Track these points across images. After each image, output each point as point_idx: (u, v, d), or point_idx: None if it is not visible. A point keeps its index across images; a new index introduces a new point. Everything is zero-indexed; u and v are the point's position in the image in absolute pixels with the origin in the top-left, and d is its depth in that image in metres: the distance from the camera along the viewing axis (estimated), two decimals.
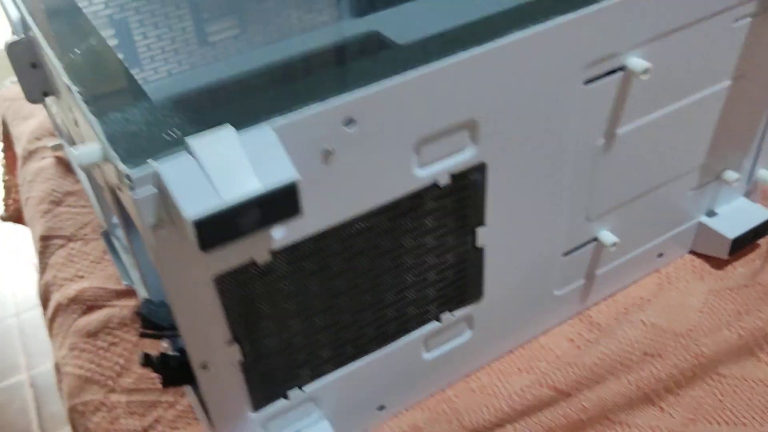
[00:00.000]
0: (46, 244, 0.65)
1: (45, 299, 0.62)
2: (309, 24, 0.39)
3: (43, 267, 0.64)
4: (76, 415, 0.52)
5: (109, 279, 0.59)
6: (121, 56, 0.35)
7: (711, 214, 0.52)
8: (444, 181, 0.36)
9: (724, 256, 0.51)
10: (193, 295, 0.32)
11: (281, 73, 0.35)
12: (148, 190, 0.28)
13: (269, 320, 0.36)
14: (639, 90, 0.40)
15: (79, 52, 0.35)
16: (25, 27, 0.43)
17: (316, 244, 0.34)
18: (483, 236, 0.40)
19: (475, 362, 0.48)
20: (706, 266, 0.53)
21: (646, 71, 0.38)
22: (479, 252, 0.41)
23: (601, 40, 0.36)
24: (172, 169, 0.27)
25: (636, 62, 0.38)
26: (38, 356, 1.46)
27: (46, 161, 0.74)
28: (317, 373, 0.40)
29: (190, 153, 0.28)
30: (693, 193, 0.50)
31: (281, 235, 0.33)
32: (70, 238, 0.64)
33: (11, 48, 0.44)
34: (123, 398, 0.51)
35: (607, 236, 0.46)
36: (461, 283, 0.42)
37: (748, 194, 0.54)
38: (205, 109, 0.31)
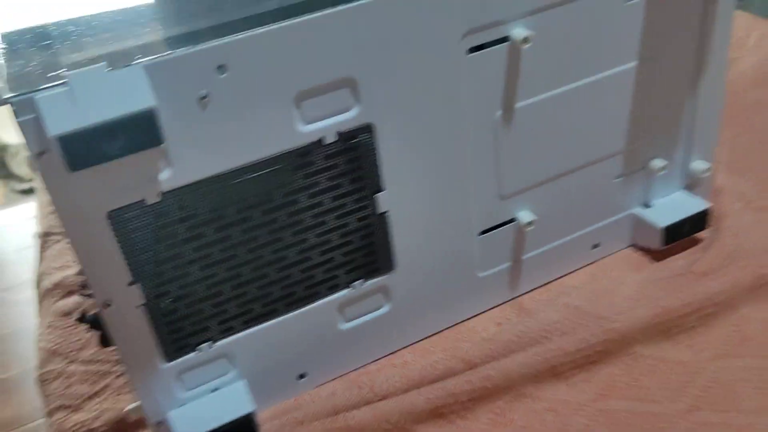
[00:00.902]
0: (45, 240, 0.71)
1: (38, 286, 0.68)
2: None
3: (41, 259, 0.70)
4: (40, 383, 0.56)
5: None
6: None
7: (647, 205, 0.53)
8: (330, 138, 0.39)
9: (659, 246, 0.51)
10: (88, 230, 0.36)
11: (177, 25, 0.39)
12: (30, 116, 0.32)
13: (167, 264, 0.39)
14: (532, 63, 0.42)
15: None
16: None
17: (205, 189, 0.38)
18: (384, 202, 0.43)
19: (398, 339, 0.49)
20: (645, 259, 0.53)
21: (525, 40, 0.40)
22: (383, 219, 0.43)
23: (479, 9, 0.39)
24: (46, 96, 0.32)
25: (517, 32, 0.40)
26: None
27: None
28: (227, 329, 0.43)
29: (67, 86, 0.32)
30: (621, 182, 0.51)
31: (168, 176, 0.36)
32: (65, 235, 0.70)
33: None
34: (80, 368, 0.54)
35: (526, 216, 0.48)
36: (369, 251, 0.44)
37: (689, 187, 0.54)
38: (97, 56, 0.35)
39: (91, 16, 0.41)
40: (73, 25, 0.40)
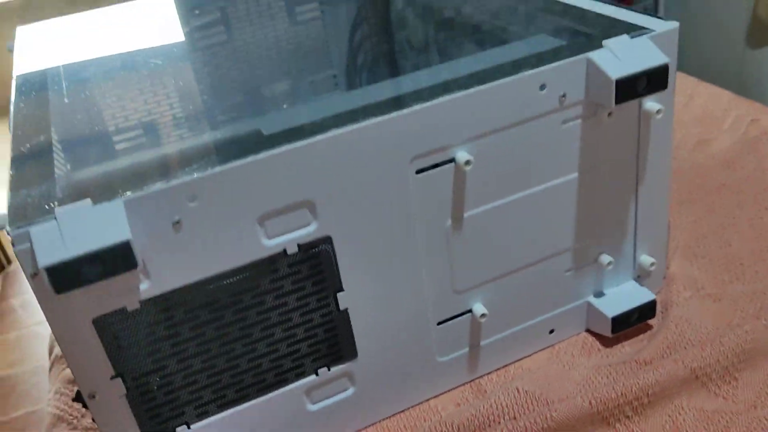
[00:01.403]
0: None
1: (50, 351, 0.74)
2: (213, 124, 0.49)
3: None
4: None
5: None
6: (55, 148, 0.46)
7: (599, 294, 0.57)
8: (292, 249, 0.44)
9: (608, 334, 0.55)
10: (75, 334, 0.42)
11: (160, 160, 0.45)
12: (25, 245, 0.38)
13: (147, 359, 0.44)
14: (477, 180, 0.47)
15: (28, 146, 0.47)
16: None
17: (180, 296, 0.43)
18: (344, 300, 0.48)
19: (362, 418, 0.53)
20: (597, 344, 0.57)
21: (468, 162, 0.45)
22: (344, 314, 0.48)
23: (425, 137, 0.44)
24: (39, 230, 0.37)
25: (461, 155, 0.45)
26: None
27: None
28: (202, 413, 0.48)
29: (56, 219, 0.38)
30: (572, 274, 0.55)
31: (146, 286, 0.42)
32: None
33: None
34: None
35: (480, 308, 0.52)
36: (333, 342, 0.49)
37: (639, 278, 0.58)
38: (87, 186, 0.41)
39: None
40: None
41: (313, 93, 0.53)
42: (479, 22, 0.61)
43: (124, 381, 0.44)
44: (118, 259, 0.37)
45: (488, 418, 0.51)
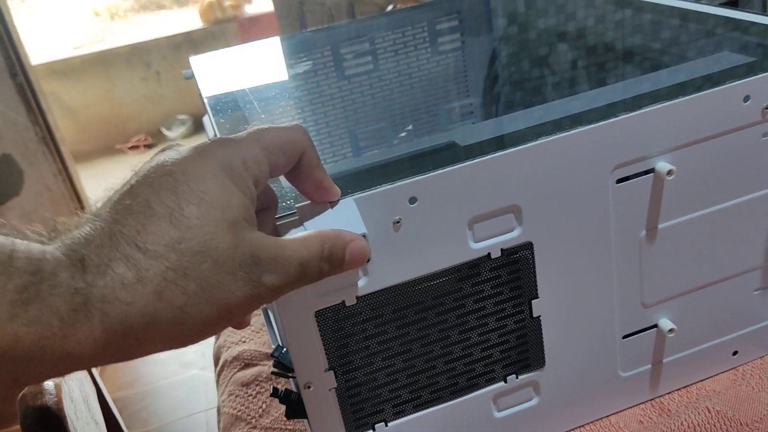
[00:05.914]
0: None
1: (216, 358, 0.78)
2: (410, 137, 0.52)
3: (218, 334, 0.81)
4: None
5: (264, 344, 0.74)
6: None
7: None
8: (496, 254, 0.46)
9: None
10: (300, 326, 0.45)
11: (377, 165, 0.48)
12: None
13: (356, 355, 0.47)
14: (674, 191, 0.48)
15: None
16: None
17: (391, 294, 0.46)
18: (538, 307, 0.49)
19: (545, 429, 0.54)
20: None
21: (670, 173, 0.46)
22: (537, 321, 0.49)
23: (627, 147, 0.46)
24: (283, 225, 0.41)
25: (662, 165, 0.46)
26: None
27: None
28: (399, 412, 0.50)
29: (298, 215, 0.41)
30: (760, 294, 0.54)
31: (363, 283, 0.44)
32: None
33: None
34: None
35: (666, 324, 0.52)
36: (523, 349, 0.50)
37: None
38: None
39: None
40: None
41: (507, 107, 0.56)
42: (654, 44, 0.62)
43: (335, 374, 0.46)
44: None
45: None
